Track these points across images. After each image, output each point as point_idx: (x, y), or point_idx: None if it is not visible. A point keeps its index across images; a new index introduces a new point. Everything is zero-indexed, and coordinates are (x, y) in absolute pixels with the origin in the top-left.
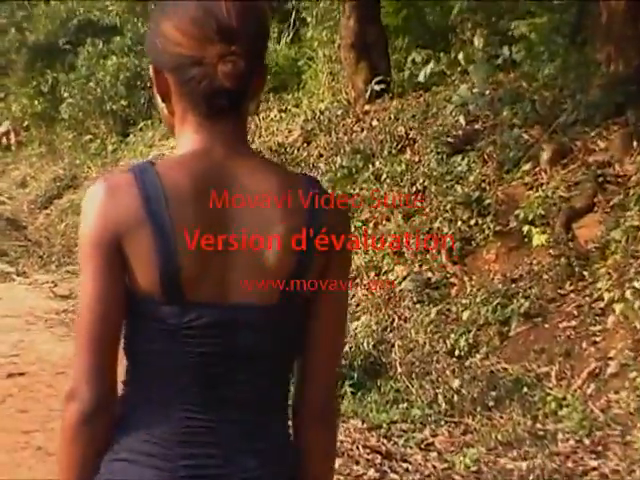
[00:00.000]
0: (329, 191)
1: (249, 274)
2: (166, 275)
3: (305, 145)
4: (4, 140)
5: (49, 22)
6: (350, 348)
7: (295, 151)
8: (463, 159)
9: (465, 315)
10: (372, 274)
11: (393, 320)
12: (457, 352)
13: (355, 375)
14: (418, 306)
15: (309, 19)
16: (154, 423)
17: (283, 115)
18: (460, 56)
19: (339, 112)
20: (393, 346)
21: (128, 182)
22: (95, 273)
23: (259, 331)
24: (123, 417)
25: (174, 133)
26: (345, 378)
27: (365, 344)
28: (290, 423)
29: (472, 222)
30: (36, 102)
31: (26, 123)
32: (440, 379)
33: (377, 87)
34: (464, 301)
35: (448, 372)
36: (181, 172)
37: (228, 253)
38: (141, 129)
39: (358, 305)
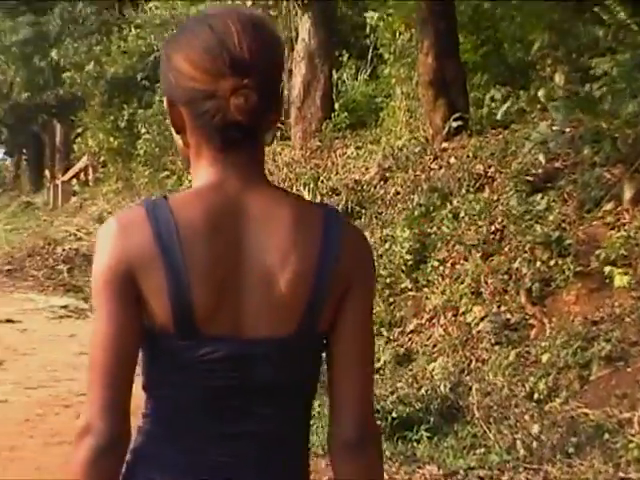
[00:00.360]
0: (350, 221)
1: (264, 307)
2: (179, 311)
3: (382, 183)
4: (82, 176)
5: (127, 57)
6: (427, 391)
7: (372, 189)
8: (543, 198)
9: (545, 358)
10: (449, 314)
11: (470, 362)
12: (536, 396)
13: (431, 419)
14: (496, 348)
15: (386, 56)
16: (170, 455)
17: (360, 152)
18: (540, 93)
19: (416, 149)
20: (470, 389)
21: (140, 218)
22: (109, 310)
23: (276, 364)
24: (140, 448)
25: (189, 166)
26: (421, 422)
27: (442, 387)
28: (308, 459)
29: (552, 262)
30: (113, 137)
31: (103, 158)
32: (519, 424)
33: (455, 124)
34: (543, 344)
35: (527, 417)
36: (195, 207)
37: (242, 286)
38: None
39: (435, 346)
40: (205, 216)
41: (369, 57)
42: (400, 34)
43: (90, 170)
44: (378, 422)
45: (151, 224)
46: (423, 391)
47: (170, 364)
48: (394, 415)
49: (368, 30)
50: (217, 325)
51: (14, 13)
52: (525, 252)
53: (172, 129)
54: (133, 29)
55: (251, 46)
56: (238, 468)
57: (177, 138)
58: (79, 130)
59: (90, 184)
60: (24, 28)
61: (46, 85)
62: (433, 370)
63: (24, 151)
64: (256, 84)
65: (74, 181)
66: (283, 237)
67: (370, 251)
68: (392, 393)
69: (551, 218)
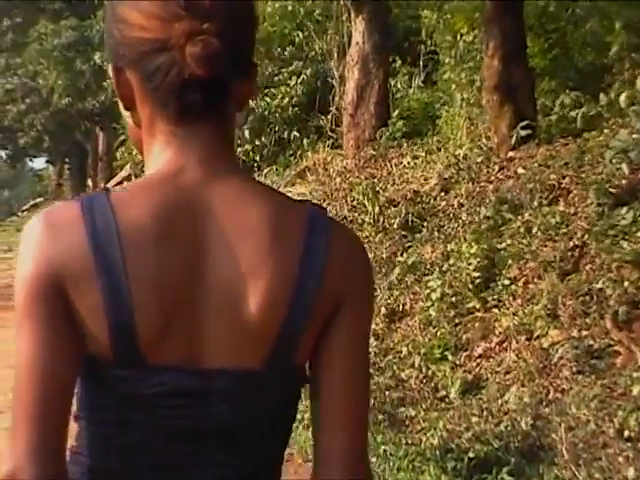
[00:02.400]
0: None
1: (225, 331)
2: (118, 333)
3: (443, 194)
4: (125, 184)
5: None
6: (506, 427)
7: (432, 200)
8: (628, 212)
9: (636, 390)
10: (522, 338)
11: (548, 392)
12: (627, 433)
13: (512, 459)
14: (579, 377)
15: (447, 59)
16: None
17: (417, 162)
18: (621, 98)
19: (479, 159)
20: (550, 422)
21: (73, 216)
22: (34, 330)
23: (237, 402)
24: None
25: (142, 150)
26: (501, 463)
27: (523, 423)
28: None
29: None
30: None
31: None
32: (612, 467)
33: (523, 132)
34: (635, 374)
35: (621, 458)
36: (142, 203)
37: (199, 305)
38: (265, 175)
39: (508, 373)
40: (154, 215)
41: (422, 62)
42: (462, 36)
43: (134, 179)
44: (454, 463)
45: (86, 225)
46: (502, 427)
47: (107, 397)
48: (471, 455)
49: (423, 34)
50: (166, 352)
51: (57, 16)
52: (610, 271)
53: (120, 106)
54: None
55: None
56: None
57: (127, 116)
58: (122, 138)
59: None
60: (67, 31)
61: (88, 90)
62: (508, 401)
63: (66, 159)
64: (218, 30)
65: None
66: (253, 244)
67: (367, 262)
68: (467, 429)
69: None
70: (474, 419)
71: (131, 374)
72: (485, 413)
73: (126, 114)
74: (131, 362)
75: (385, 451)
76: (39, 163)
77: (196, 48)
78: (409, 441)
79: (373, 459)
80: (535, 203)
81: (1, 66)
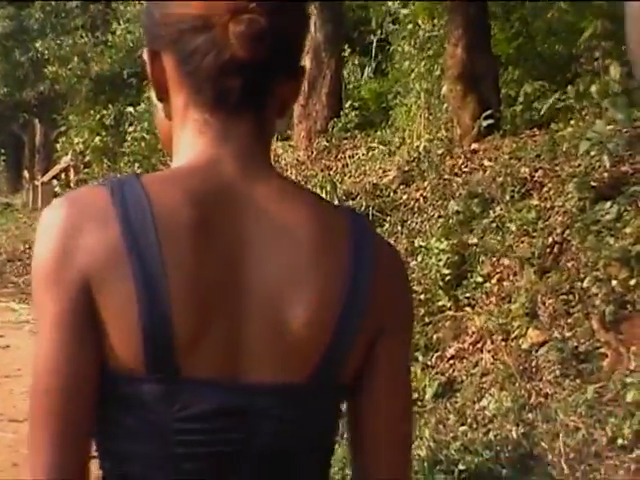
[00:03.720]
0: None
1: (268, 343)
2: (153, 338)
3: (404, 187)
4: (63, 176)
5: (114, 52)
6: (495, 436)
7: (392, 193)
8: (612, 206)
9: (629, 396)
10: (499, 339)
11: (530, 396)
12: (620, 441)
13: (504, 472)
14: (565, 381)
15: (406, 48)
16: None
17: (374, 153)
18: (592, 89)
19: (440, 151)
20: (534, 429)
21: (102, 201)
22: (54, 337)
23: (282, 421)
24: None
25: (169, 146)
26: (494, 476)
27: (514, 432)
28: None
29: (632, 282)
30: (99, 136)
31: (88, 158)
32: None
33: (485, 123)
34: (629, 379)
35: (621, 471)
36: (178, 190)
37: (239, 308)
38: None
39: (484, 375)
40: (192, 208)
41: (373, 52)
42: (419, 26)
43: (72, 171)
44: (443, 476)
45: (117, 211)
46: (491, 436)
47: (134, 421)
48: (461, 467)
49: (374, 23)
50: (203, 365)
51: None
52: (595, 269)
53: (152, 97)
54: (122, 23)
55: None
56: None
57: (159, 109)
58: (62, 129)
59: (72, 185)
60: (3, 21)
61: (26, 80)
62: (487, 406)
63: (2, 150)
64: (266, 10)
65: (55, 182)
66: (300, 250)
67: (406, 276)
68: (454, 439)
69: (628, 230)
70: (462, 428)
71: (163, 390)
72: (469, 420)
73: (159, 106)
74: (163, 374)
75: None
76: None
77: (240, 26)
78: None
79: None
80: (507, 197)
81: None
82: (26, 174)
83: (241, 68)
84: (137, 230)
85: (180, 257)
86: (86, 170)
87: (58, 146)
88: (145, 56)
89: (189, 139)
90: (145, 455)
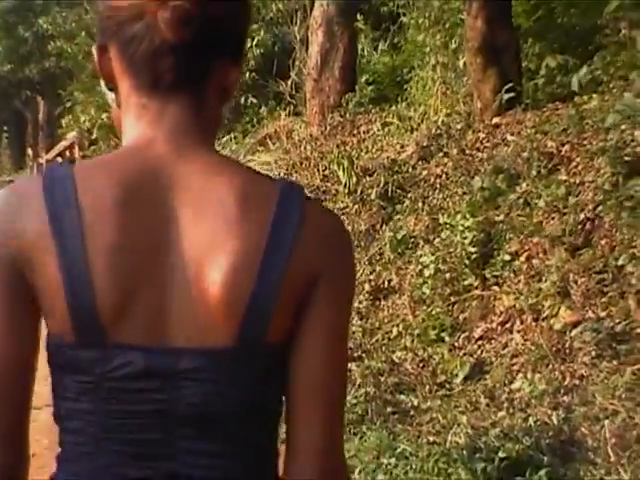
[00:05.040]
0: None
1: (192, 308)
2: (77, 310)
3: (422, 162)
4: (67, 154)
5: None
6: (535, 422)
7: (411, 169)
8: None
9: None
10: (529, 319)
11: (564, 378)
12: None
13: (545, 459)
14: (603, 363)
15: (420, 21)
16: None
17: (390, 129)
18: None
19: (459, 126)
20: (570, 412)
21: (35, 190)
22: None
23: (209, 383)
24: None
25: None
26: (536, 464)
27: (554, 417)
28: None
29: None
30: (105, 113)
31: (94, 135)
32: None
33: (506, 96)
34: None
35: None
36: (104, 175)
37: (164, 281)
38: (224, 144)
39: (515, 357)
40: (117, 187)
41: (386, 25)
42: None
43: (77, 148)
44: (483, 464)
45: (45, 196)
46: (531, 421)
47: (72, 383)
48: (501, 455)
49: None
50: (129, 330)
51: None
52: (632, 247)
53: (104, 88)
54: None
55: None
56: None
57: (110, 98)
58: (68, 105)
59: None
60: None
61: (30, 57)
62: (520, 389)
63: (5, 128)
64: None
65: (59, 159)
66: (221, 219)
67: (346, 241)
68: (493, 425)
69: None
70: (500, 414)
71: (93, 354)
72: (505, 404)
73: (110, 97)
74: (92, 340)
75: (405, 450)
76: None
77: (166, 12)
78: (430, 439)
79: (392, 460)
80: (533, 172)
81: None
82: (29, 151)
83: (172, 51)
84: (61, 214)
85: (102, 235)
86: (93, 147)
87: (63, 123)
88: (94, 52)
89: (131, 123)
90: (84, 411)
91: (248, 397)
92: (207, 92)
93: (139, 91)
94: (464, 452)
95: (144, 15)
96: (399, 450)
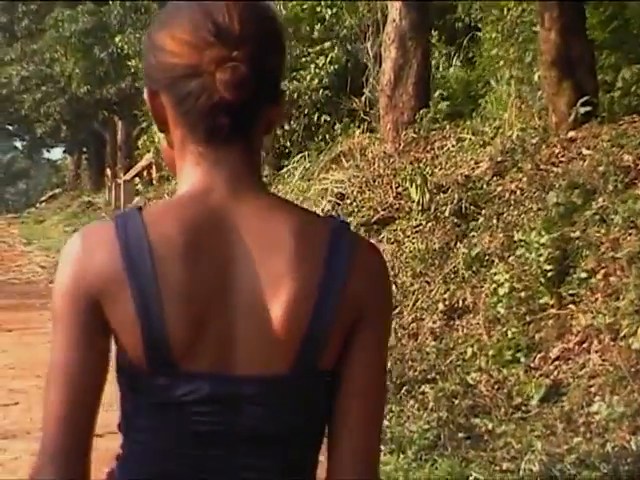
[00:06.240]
0: (366, 238)
1: (254, 340)
2: (150, 343)
3: (497, 178)
4: (145, 174)
5: None
6: (613, 447)
7: (485, 185)
8: None
9: None
10: (606, 338)
11: None
12: None
13: None
14: None
15: (494, 35)
16: None
17: (464, 144)
18: None
19: (534, 140)
20: None
21: (109, 234)
22: (67, 342)
23: (265, 407)
24: None
25: (174, 170)
26: None
27: (633, 442)
28: None
29: None
30: None
31: None
32: None
33: (582, 110)
34: None
35: None
36: (172, 220)
37: (228, 316)
38: (297, 162)
39: (592, 378)
40: (184, 231)
41: (460, 41)
42: (509, 10)
43: (154, 168)
44: None
45: (120, 242)
46: (609, 447)
47: (144, 404)
48: None
49: (460, 10)
50: (198, 360)
51: (73, 2)
52: None
53: (155, 127)
54: None
55: (242, 15)
56: None
57: (161, 139)
58: (143, 125)
59: (154, 183)
60: (84, 17)
61: (107, 78)
62: (598, 412)
63: (84, 149)
64: (247, 57)
65: (137, 180)
66: (279, 256)
67: (387, 275)
68: (569, 451)
69: None
70: (576, 439)
71: (164, 382)
72: (582, 429)
73: (161, 136)
74: (164, 370)
75: (477, 479)
76: (56, 153)
77: (225, 74)
78: (503, 466)
79: None
80: (610, 187)
81: (16, 53)
82: (108, 172)
83: (229, 108)
84: (135, 257)
85: (173, 277)
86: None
87: (140, 143)
88: (145, 95)
89: (188, 169)
90: (151, 427)
91: (297, 419)
92: (257, 135)
93: (195, 141)
94: None
95: (201, 74)
96: (471, 479)
